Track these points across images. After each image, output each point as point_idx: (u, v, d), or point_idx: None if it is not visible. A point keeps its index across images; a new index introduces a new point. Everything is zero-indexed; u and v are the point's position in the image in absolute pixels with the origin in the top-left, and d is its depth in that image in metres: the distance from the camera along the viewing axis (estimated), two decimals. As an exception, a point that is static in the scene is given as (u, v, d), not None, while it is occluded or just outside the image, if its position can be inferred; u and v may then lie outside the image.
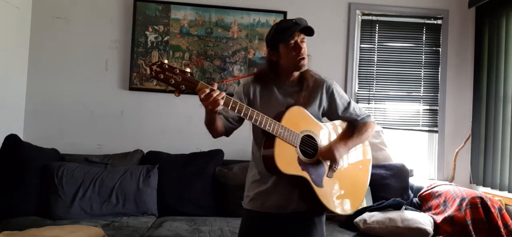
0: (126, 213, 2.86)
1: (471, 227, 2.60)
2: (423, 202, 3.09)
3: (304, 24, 1.80)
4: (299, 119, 1.79)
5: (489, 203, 2.67)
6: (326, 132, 1.89)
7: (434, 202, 2.96)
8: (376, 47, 3.68)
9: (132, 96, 3.45)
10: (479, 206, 2.65)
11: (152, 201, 2.95)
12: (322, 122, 1.90)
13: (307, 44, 1.85)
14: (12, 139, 2.88)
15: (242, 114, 1.67)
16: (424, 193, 3.12)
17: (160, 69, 1.55)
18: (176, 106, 3.44)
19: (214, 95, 1.58)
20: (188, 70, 1.59)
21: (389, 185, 3.12)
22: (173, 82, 1.56)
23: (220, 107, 1.63)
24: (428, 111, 3.70)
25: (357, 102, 3.64)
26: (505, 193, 3.09)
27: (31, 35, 3.40)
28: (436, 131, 3.68)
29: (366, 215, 2.72)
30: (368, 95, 3.67)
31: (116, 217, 2.79)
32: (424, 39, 3.71)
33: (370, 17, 3.68)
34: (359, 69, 3.67)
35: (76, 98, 3.41)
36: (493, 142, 3.30)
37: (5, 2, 3.06)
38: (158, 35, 3.46)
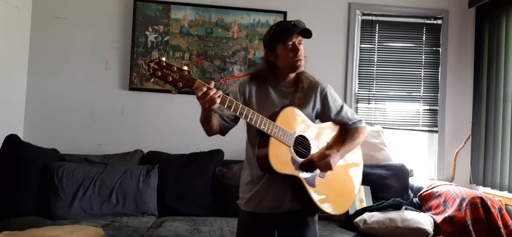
0: (126, 213, 2.86)
1: (471, 227, 2.60)
2: (423, 202, 3.09)
3: (303, 26, 1.83)
4: (293, 120, 1.81)
5: (489, 203, 2.66)
6: (319, 133, 1.91)
7: (434, 202, 2.96)
8: (376, 47, 3.68)
9: (132, 96, 3.45)
10: (479, 206, 2.65)
11: (152, 201, 2.95)
12: (315, 123, 1.94)
13: (307, 44, 1.88)
14: (12, 139, 2.88)
15: (238, 113, 1.68)
16: (424, 193, 3.12)
17: (158, 67, 1.56)
18: (176, 106, 3.44)
19: (211, 93, 1.59)
20: (185, 68, 1.59)
21: (389, 185, 3.12)
22: (171, 79, 1.57)
23: (216, 106, 1.64)
24: (428, 111, 3.69)
25: (357, 102, 3.65)
26: (505, 193, 3.09)
27: (31, 35, 3.40)
28: (436, 131, 3.67)
29: (366, 215, 2.73)
30: (368, 95, 3.67)
31: (116, 217, 2.79)
32: (424, 39, 3.71)
33: (370, 17, 3.68)
34: (359, 69, 3.67)
35: (76, 98, 3.41)
36: (493, 142, 3.30)
37: (5, 2, 3.06)
38: (158, 35, 3.46)
